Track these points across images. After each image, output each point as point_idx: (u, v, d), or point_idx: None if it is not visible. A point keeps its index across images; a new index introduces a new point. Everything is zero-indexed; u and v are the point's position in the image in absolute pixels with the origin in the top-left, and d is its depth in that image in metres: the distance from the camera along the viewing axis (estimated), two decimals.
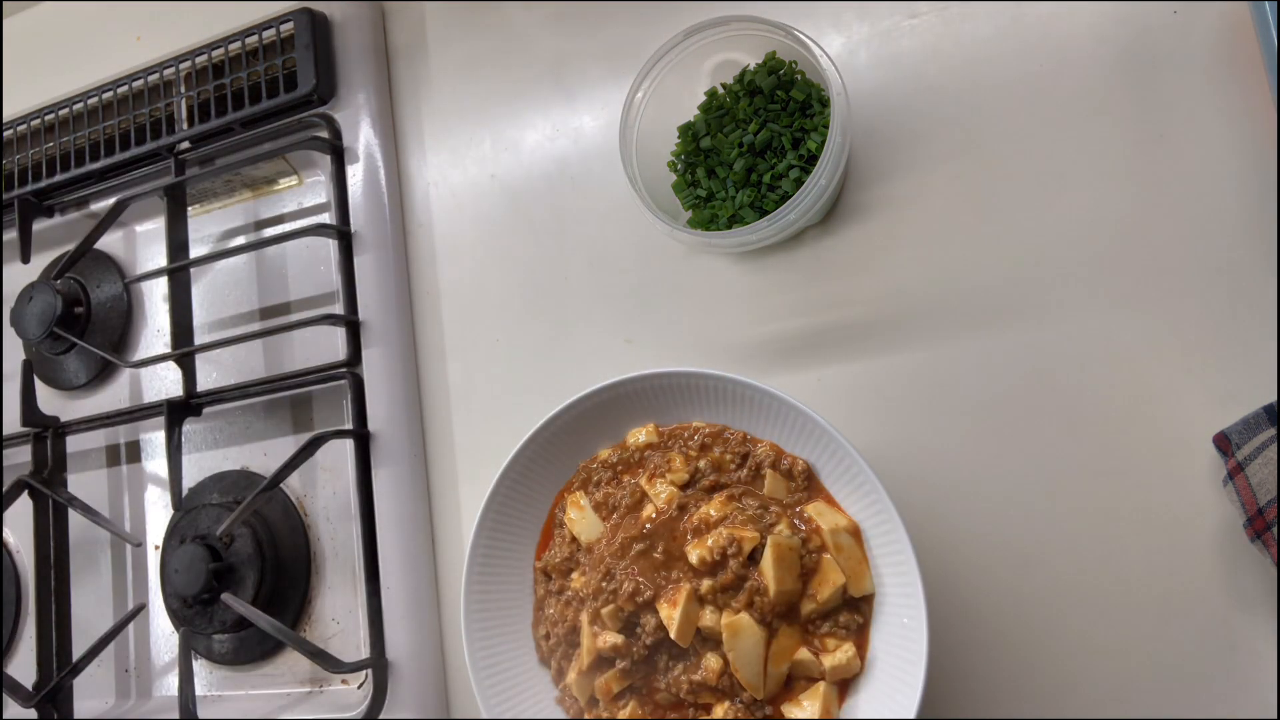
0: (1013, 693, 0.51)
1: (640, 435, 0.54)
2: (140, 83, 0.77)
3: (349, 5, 0.72)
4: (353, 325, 0.68)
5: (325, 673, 0.66)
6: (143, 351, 0.80)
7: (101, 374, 0.80)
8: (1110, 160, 0.52)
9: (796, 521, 0.50)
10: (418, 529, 0.65)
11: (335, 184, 0.70)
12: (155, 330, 0.80)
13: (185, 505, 0.72)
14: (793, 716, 0.47)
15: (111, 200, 0.76)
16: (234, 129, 0.74)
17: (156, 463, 0.78)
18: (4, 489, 0.75)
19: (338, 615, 0.68)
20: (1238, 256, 0.49)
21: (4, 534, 0.82)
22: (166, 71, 0.76)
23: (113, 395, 0.80)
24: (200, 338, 0.75)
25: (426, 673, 0.63)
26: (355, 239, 0.69)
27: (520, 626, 0.55)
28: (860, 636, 0.48)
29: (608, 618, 0.49)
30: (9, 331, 0.80)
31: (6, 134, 0.83)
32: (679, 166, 0.59)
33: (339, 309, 0.69)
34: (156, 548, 0.76)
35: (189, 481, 0.74)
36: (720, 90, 0.59)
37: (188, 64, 0.75)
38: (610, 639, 0.49)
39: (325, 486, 0.70)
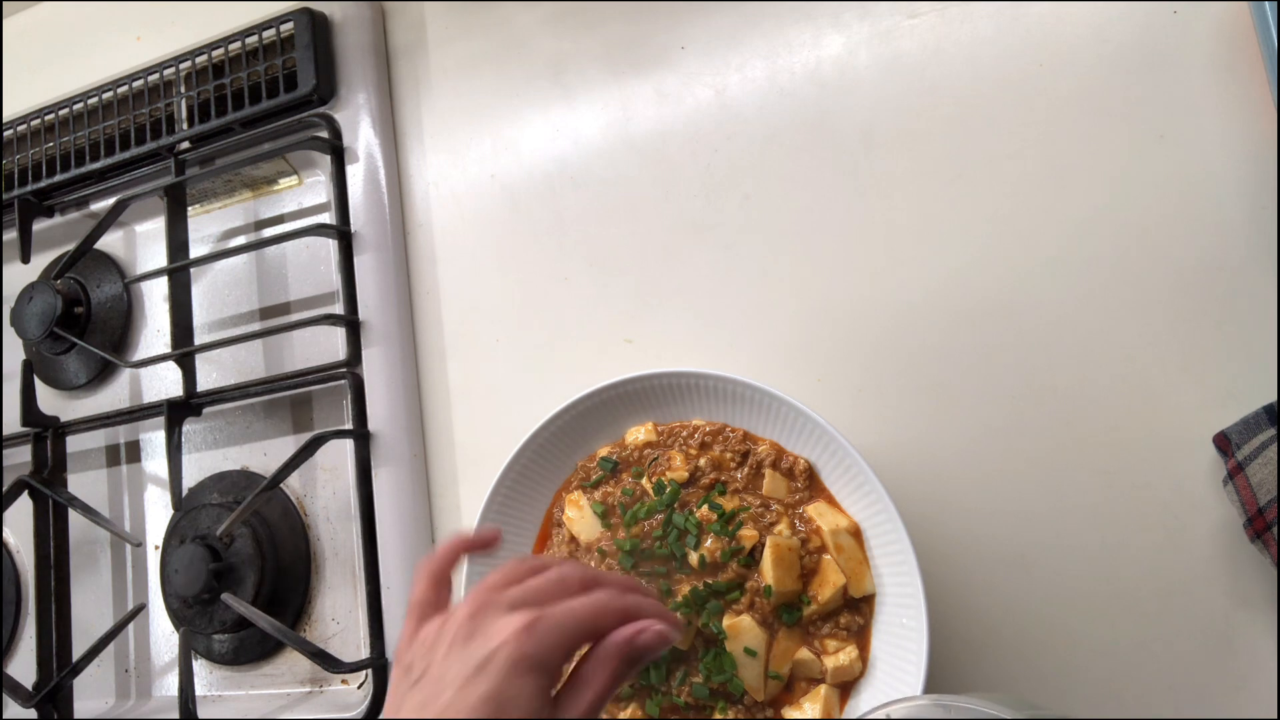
0: (1012, 692, 0.51)
1: (639, 434, 0.54)
2: (140, 83, 0.77)
3: (349, 5, 0.72)
4: (353, 325, 0.68)
5: (325, 673, 0.66)
6: (143, 351, 0.80)
7: (101, 374, 0.80)
8: (1110, 160, 0.52)
9: (796, 522, 0.50)
10: (418, 529, 0.65)
11: (335, 184, 0.70)
12: (155, 330, 0.80)
13: (185, 505, 0.72)
14: (793, 718, 0.47)
15: (111, 200, 0.76)
16: (234, 129, 0.74)
17: (156, 463, 0.78)
18: (4, 489, 0.75)
19: (338, 615, 0.68)
20: (1237, 256, 0.49)
21: (4, 534, 0.82)
22: (166, 71, 0.76)
23: (113, 395, 0.80)
24: (200, 338, 0.75)
25: None
26: (355, 239, 0.69)
27: None
28: (861, 638, 0.48)
29: None
30: (9, 331, 0.80)
31: (6, 134, 0.83)
32: None
33: (339, 309, 0.69)
34: (156, 548, 0.76)
35: (189, 481, 0.74)
36: None
37: (188, 64, 0.75)
38: None
39: (325, 486, 0.70)
